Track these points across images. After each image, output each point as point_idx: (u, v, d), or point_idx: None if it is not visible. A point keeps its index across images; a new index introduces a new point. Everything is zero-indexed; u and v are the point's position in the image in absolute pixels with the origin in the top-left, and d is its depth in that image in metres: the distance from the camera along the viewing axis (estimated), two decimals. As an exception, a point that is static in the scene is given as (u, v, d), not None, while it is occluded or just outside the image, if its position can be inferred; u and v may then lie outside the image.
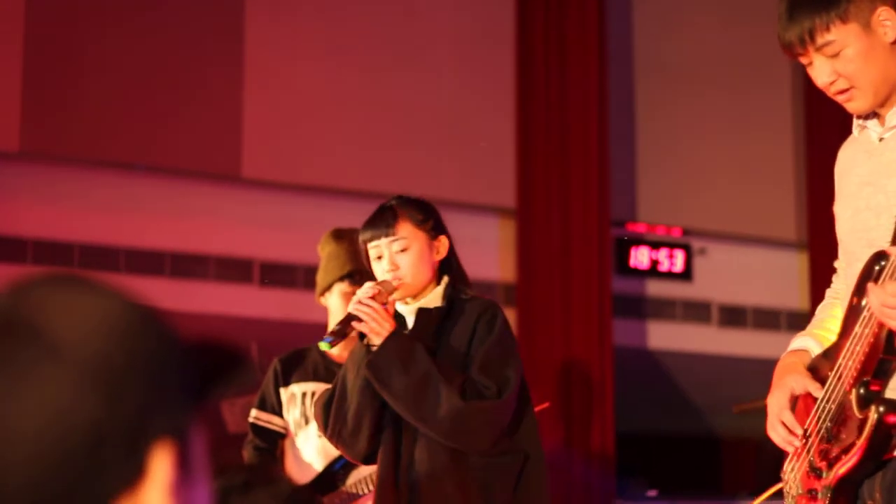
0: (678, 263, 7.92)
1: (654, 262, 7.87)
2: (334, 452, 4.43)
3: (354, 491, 4.41)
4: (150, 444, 0.92)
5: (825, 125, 7.54)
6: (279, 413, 4.51)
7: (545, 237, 7.28)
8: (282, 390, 4.51)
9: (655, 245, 7.89)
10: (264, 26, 6.92)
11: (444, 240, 3.68)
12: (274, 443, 4.51)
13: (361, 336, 3.54)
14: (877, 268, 2.80)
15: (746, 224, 8.03)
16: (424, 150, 7.20)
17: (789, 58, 2.96)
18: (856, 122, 3.03)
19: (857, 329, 2.83)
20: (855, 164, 3.02)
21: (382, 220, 3.63)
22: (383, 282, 3.55)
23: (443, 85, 7.31)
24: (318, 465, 4.44)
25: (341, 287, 4.50)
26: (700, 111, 8.02)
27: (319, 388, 4.49)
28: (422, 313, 3.59)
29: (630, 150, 7.90)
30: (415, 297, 3.63)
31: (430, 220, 3.66)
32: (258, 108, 6.86)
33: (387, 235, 3.60)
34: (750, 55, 8.12)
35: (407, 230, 3.61)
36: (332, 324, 4.53)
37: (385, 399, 3.49)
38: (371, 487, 4.39)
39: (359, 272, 4.46)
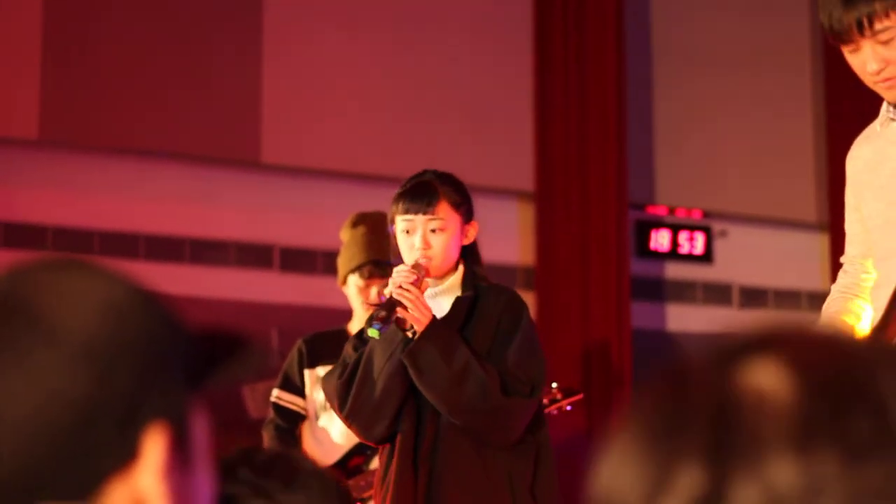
0: (698, 246, 7.89)
1: (675, 245, 7.85)
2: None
3: None
4: (143, 425, 0.92)
5: (845, 107, 7.49)
6: (302, 394, 4.50)
7: (564, 220, 7.26)
8: (307, 371, 4.48)
9: (675, 227, 7.87)
10: (282, 11, 6.91)
11: (475, 225, 3.60)
12: (295, 423, 4.48)
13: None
14: None
15: (767, 206, 8.00)
16: (443, 134, 7.19)
17: (834, 44, 2.89)
18: (884, 115, 2.98)
19: None
20: (886, 157, 2.96)
21: (422, 197, 3.51)
22: (416, 265, 3.46)
23: (461, 68, 7.29)
24: (345, 446, 4.41)
25: (353, 279, 4.45)
26: (719, 93, 7.98)
27: (347, 371, 4.47)
28: (456, 301, 3.50)
29: (649, 133, 7.86)
30: (437, 280, 3.54)
31: (465, 203, 3.58)
32: (277, 93, 6.85)
33: (425, 213, 3.49)
34: (769, 36, 8.07)
35: (445, 211, 3.51)
36: (357, 312, 4.52)
37: (419, 387, 3.41)
38: None
39: (368, 264, 4.44)
